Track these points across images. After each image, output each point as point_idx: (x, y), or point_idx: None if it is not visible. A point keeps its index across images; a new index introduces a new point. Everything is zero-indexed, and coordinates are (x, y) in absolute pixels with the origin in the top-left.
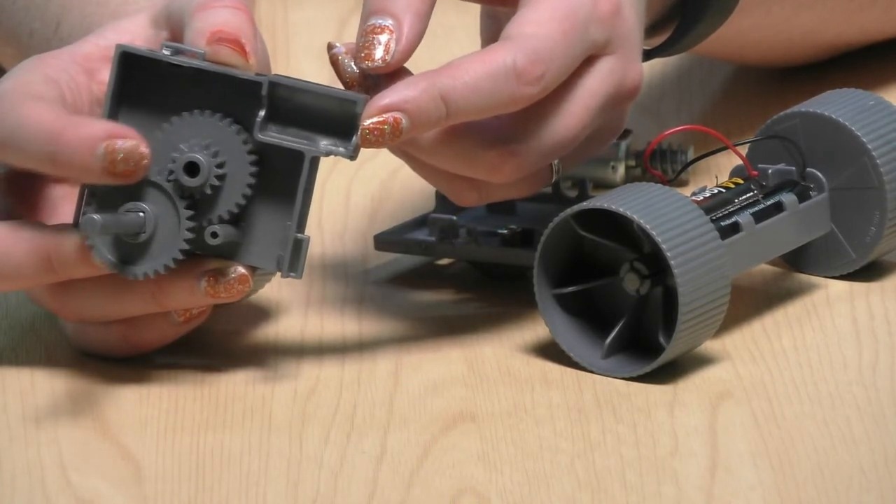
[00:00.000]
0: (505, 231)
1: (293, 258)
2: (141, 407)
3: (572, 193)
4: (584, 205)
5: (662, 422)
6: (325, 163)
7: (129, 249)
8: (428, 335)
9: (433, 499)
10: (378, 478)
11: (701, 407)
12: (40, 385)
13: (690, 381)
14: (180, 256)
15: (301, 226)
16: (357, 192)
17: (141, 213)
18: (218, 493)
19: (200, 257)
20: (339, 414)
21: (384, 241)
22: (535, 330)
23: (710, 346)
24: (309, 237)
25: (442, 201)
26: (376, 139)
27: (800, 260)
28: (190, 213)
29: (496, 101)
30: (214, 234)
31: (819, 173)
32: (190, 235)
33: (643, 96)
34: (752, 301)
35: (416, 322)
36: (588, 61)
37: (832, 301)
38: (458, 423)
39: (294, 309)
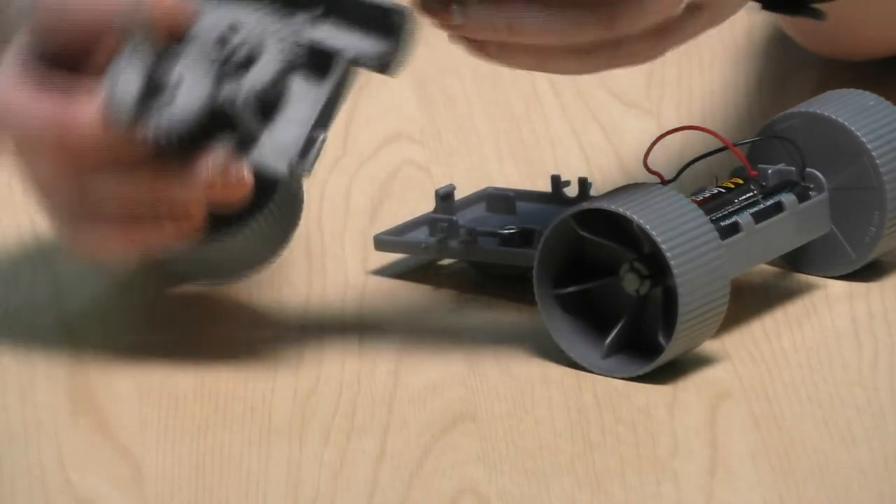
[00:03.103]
0: (505, 231)
1: (304, 151)
2: (141, 407)
3: (573, 194)
4: (584, 205)
5: (662, 422)
6: (324, 163)
7: (149, 107)
8: (428, 335)
9: (433, 499)
10: (378, 478)
11: (700, 407)
12: (40, 385)
13: (690, 382)
14: (198, 115)
15: (320, 127)
16: (357, 192)
17: (169, 73)
18: (218, 493)
19: (207, 147)
20: (339, 414)
21: (384, 241)
22: (535, 330)
23: (710, 346)
24: (325, 136)
25: (442, 201)
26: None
27: (799, 260)
28: (216, 79)
29: None
30: (234, 101)
31: (819, 173)
32: (212, 95)
33: (642, 97)
34: (751, 301)
35: (416, 322)
36: None
37: (832, 301)
38: (458, 423)
39: (294, 309)
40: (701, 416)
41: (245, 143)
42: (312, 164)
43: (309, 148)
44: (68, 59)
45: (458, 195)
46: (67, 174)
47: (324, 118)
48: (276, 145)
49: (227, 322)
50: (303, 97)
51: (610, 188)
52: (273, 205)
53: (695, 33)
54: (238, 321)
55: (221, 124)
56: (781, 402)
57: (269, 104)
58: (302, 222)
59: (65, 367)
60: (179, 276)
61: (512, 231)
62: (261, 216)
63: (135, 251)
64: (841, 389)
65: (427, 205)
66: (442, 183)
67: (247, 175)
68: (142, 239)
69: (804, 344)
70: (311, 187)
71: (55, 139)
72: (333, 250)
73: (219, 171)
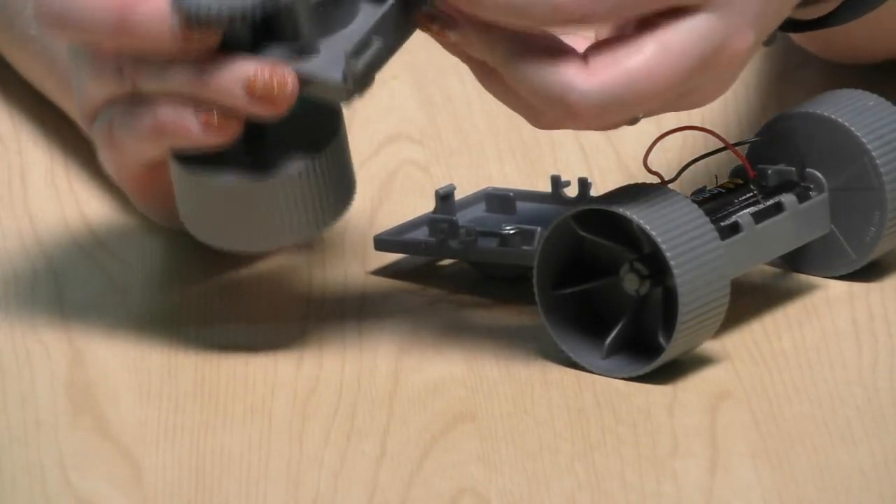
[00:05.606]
0: (505, 231)
1: (358, 52)
2: (141, 407)
3: (573, 194)
4: (584, 205)
5: (662, 422)
6: None
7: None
8: (428, 335)
9: (433, 499)
10: (378, 478)
11: (701, 407)
12: (40, 385)
13: (690, 382)
14: (256, 7)
15: (379, 35)
16: (357, 193)
17: None
18: (218, 494)
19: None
20: (339, 414)
21: (384, 241)
22: (535, 330)
23: (710, 346)
24: (383, 47)
25: (442, 201)
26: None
27: (800, 260)
28: None
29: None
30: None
31: (819, 174)
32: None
33: None
34: (751, 301)
35: (416, 322)
36: (678, 14)
37: (832, 301)
38: (458, 423)
39: (294, 309)
40: (701, 416)
41: (300, 53)
42: (368, 74)
43: (363, 49)
44: None
45: (458, 195)
46: (119, 59)
47: (385, 29)
48: (331, 57)
49: (227, 322)
50: (366, 20)
51: (610, 188)
52: (321, 160)
53: (676, 110)
54: (238, 321)
55: (279, 33)
56: (781, 402)
57: (330, 20)
58: None
59: (65, 367)
60: (218, 236)
61: (512, 231)
62: (309, 165)
63: (166, 144)
64: (841, 389)
65: (427, 205)
66: (442, 183)
67: (291, 82)
68: (176, 132)
69: (804, 344)
70: None
71: (117, 21)
72: (333, 250)
73: (263, 70)
